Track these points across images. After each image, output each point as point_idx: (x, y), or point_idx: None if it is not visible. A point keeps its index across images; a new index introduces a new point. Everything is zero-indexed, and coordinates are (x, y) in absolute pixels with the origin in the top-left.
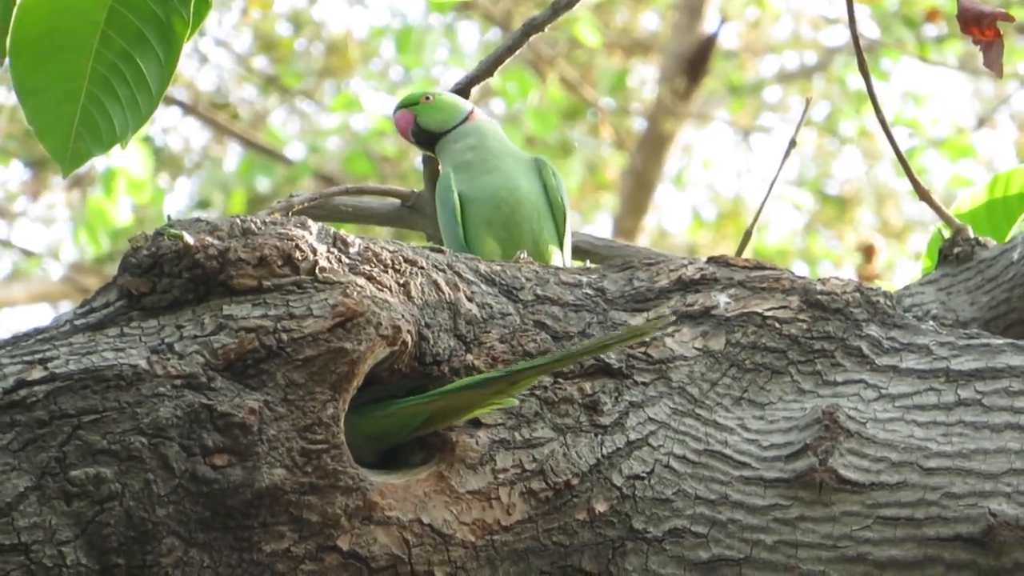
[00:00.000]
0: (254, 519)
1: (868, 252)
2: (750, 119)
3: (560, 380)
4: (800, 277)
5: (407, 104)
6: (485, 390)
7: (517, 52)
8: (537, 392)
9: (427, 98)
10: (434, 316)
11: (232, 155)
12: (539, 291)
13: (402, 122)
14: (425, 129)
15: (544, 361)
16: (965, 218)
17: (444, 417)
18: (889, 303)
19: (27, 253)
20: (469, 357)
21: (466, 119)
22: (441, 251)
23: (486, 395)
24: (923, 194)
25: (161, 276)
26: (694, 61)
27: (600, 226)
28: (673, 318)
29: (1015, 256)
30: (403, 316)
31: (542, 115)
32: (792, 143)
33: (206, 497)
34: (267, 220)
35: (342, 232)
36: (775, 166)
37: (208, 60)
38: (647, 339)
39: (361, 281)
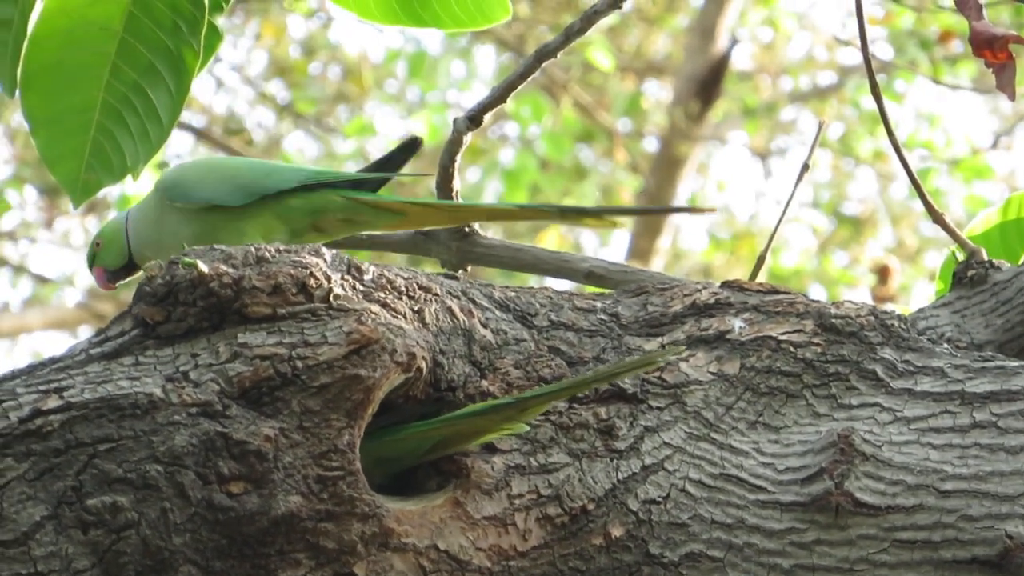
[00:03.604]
0: (270, 546)
1: (883, 273)
2: (764, 141)
3: (575, 405)
4: (814, 301)
5: (90, 263)
6: (494, 416)
7: (530, 78)
8: (552, 417)
9: (97, 244)
10: (449, 342)
11: None
12: (553, 317)
13: (100, 280)
14: (117, 270)
15: (552, 389)
16: (978, 240)
17: (454, 442)
18: (903, 326)
19: (43, 280)
20: (484, 383)
21: (126, 228)
22: (455, 277)
23: (495, 421)
24: (936, 217)
25: (176, 305)
26: (707, 83)
27: (615, 248)
28: (683, 347)
29: None
30: (418, 343)
31: (556, 139)
32: (805, 166)
33: (222, 525)
34: (281, 248)
35: (356, 259)
36: (790, 187)
37: (223, 85)
38: (661, 364)
39: (375, 308)
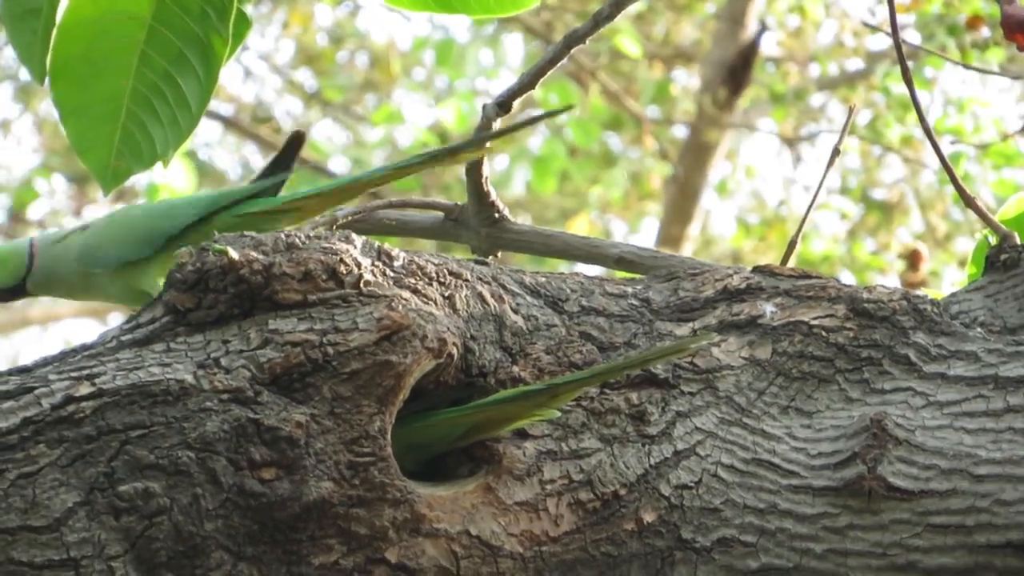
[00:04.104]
0: (302, 532)
1: (913, 259)
2: (793, 127)
3: (607, 391)
4: (846, 285)
5: None
6: (526, 402)
7: (559, 64)
8: (584, 403)
9: None
10: (479, 328)
11: None
12: (584, 302)
13: None
14: (3, 289)
15: (584, 375)
16: (1011, 224)
17: (486, 428)
18: (936, 310)
19: None
20: (515, 369)
21: (32, 253)
22: (485, 263)
23: (527, 407)
24: (968, 201)
25: (207, 291)
26: (736, 70)
27: (645, 235)
28: (714, 334)
29: None
30: (448, 329)
31: (584, 126)
32: (836, 151)
33: (254, 511)
34: (311, 234)
35: (386, 245)
36: (819, 173)
37: (251, 73)
38: (694, 351)
39: (406, 294)
